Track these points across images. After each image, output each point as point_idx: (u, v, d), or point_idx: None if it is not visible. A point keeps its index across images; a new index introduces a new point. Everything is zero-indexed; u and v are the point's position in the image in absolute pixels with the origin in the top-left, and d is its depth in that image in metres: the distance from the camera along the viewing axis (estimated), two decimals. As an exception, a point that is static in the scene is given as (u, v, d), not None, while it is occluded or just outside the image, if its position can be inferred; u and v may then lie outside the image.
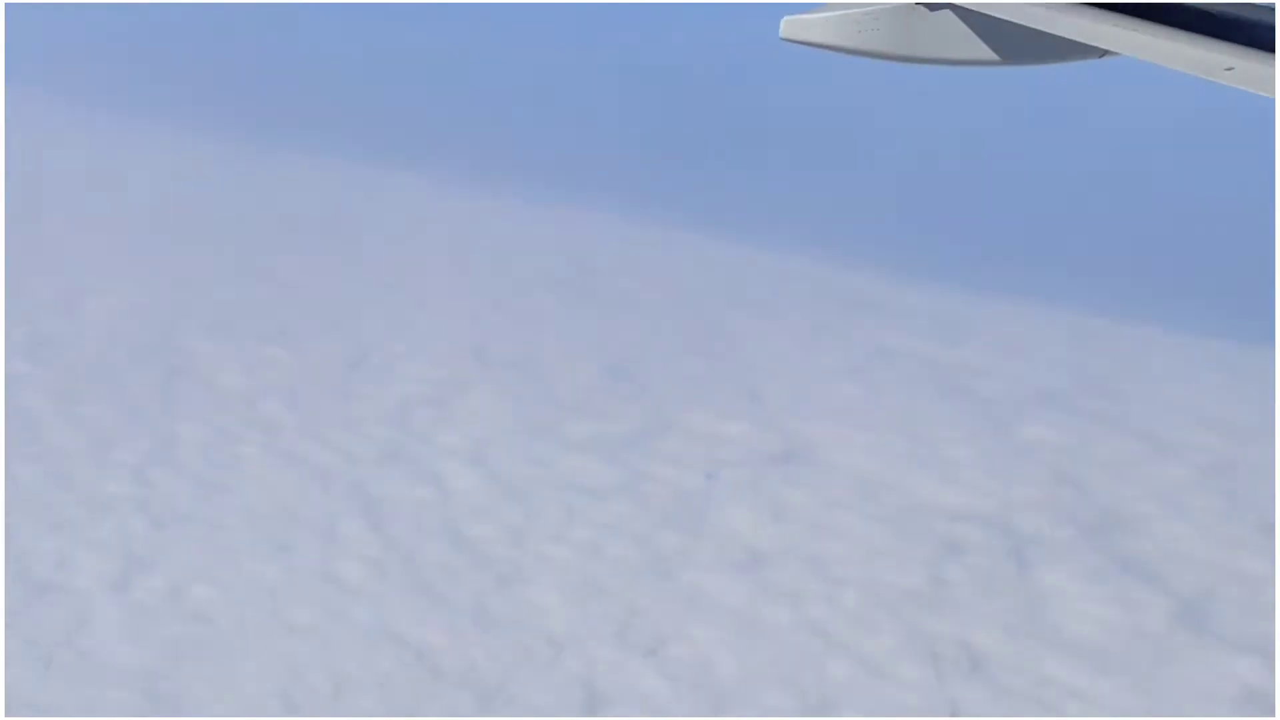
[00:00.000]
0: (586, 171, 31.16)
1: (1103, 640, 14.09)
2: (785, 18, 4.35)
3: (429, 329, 21.17)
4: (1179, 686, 13.54)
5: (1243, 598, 15.08)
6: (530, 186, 29.46)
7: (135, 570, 14.96)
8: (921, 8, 4.08)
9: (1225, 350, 21.28)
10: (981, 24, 3.94)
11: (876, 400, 18.63)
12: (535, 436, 16.68)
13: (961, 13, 4.02)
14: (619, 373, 18.53)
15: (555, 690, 12.78)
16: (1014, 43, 3.97)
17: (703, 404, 17.58)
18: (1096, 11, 3.47)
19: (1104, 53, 3.77)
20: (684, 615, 14.27)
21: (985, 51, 4.05)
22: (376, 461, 16.77)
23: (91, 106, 32.82)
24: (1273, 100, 3.04)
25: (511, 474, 16.09)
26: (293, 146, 32.43)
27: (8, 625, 13.40)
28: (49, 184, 28.83)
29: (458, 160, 32.10)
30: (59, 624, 13.90)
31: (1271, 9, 3.15)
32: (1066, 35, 3.63)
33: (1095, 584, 14.64)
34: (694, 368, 19.29)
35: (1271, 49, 2.93)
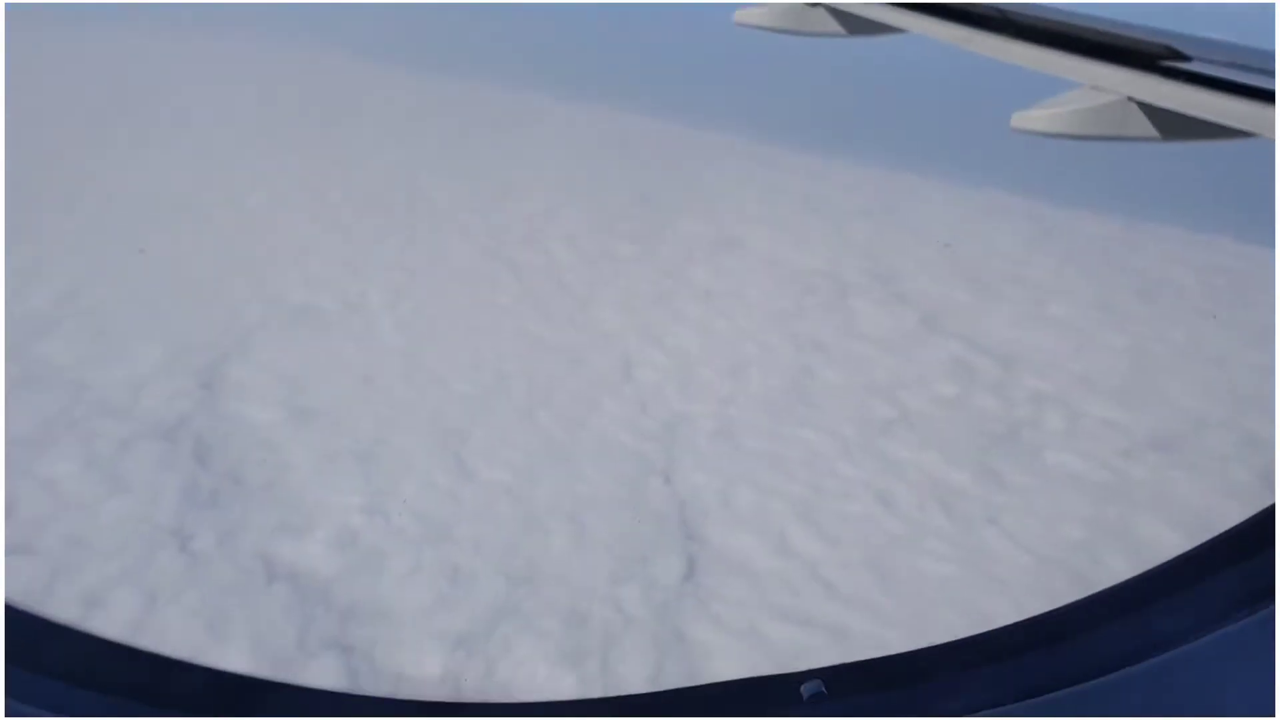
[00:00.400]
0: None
1: (878, 332, 16.91)
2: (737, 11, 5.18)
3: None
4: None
5: (965, 314, 17.84)
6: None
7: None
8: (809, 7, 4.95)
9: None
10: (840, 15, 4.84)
11: (773, 216, 22.84)
12: (598, 232, 20.79)
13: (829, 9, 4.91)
14: (647, 200, 23.05)
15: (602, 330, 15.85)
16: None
17: (685, 217, 21.90)
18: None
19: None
20: (670, 320, 17.03)
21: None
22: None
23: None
24: None
25: (602, 253, 20.03)
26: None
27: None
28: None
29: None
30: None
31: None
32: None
33: (875, 304, 17.82)
34: (681, 199, 23.47)
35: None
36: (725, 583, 11.65)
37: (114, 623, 10.17)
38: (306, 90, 32.65)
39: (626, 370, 15.72)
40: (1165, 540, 12.31)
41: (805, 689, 1.44)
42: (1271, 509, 1.58)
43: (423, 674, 10.09)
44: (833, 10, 4.89)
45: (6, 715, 1.07)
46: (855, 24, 4.83)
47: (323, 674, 9.90)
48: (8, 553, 11.00)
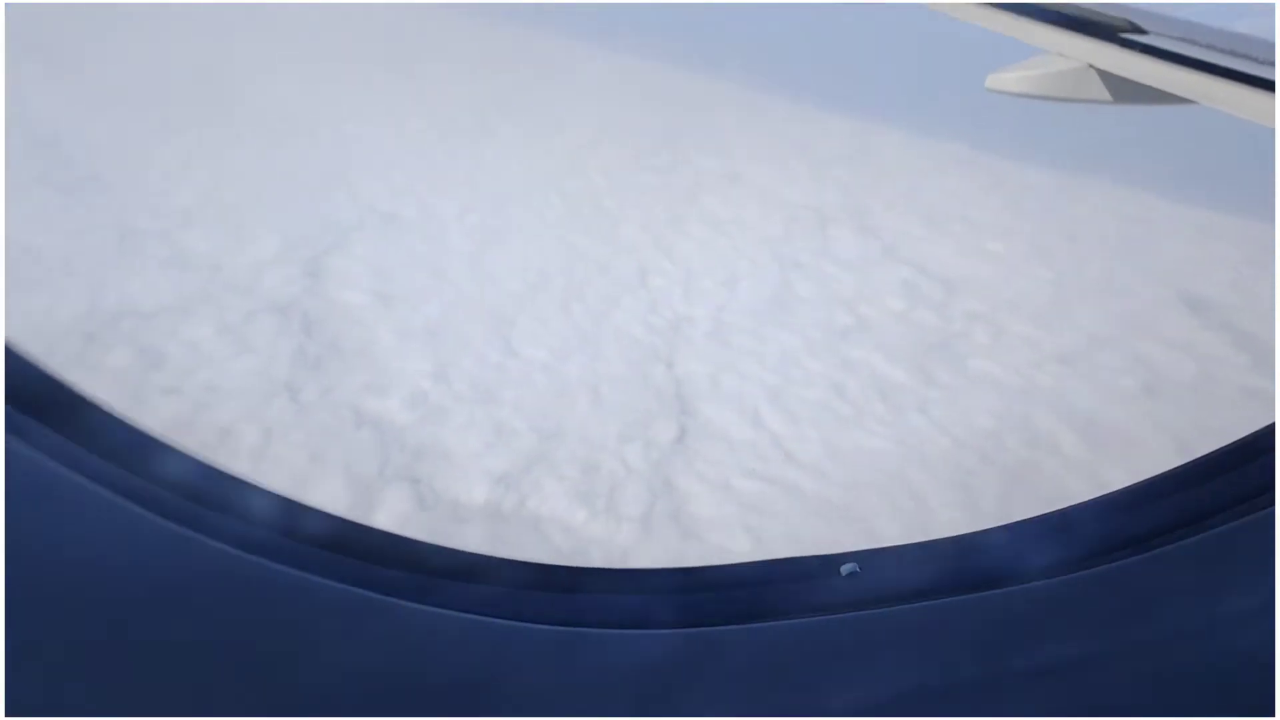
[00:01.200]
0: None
1: (846, 256, 16.94)
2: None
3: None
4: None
5: (918, 245, 19.00)
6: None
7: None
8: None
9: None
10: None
11: (772, 157, 22.47)
12: (629, 164, 20.71)
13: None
14: (670, 139, 22.62)
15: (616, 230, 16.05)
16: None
17: (700, 154, 21.70)
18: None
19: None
20: (680, 239, 17.09)
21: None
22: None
23: None
24: None
25: (631, 182, 19.90)
26: None
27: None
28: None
29: None
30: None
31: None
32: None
33: (847, 233, 17.93)
34: (698, 140, 23.02)
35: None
36: (708, 446, 12.13)
37: (241, 450, 10.86)
38: (399, 37, 32.06)
39: (643, 277, 15.91)
40: (1055, 431, 12.61)
41: (843, 568, 1.36)
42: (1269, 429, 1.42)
43: (472, 502, 10.70)
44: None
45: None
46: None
47: (396, 498, 10.54)
48: (162, 392, 11.63)
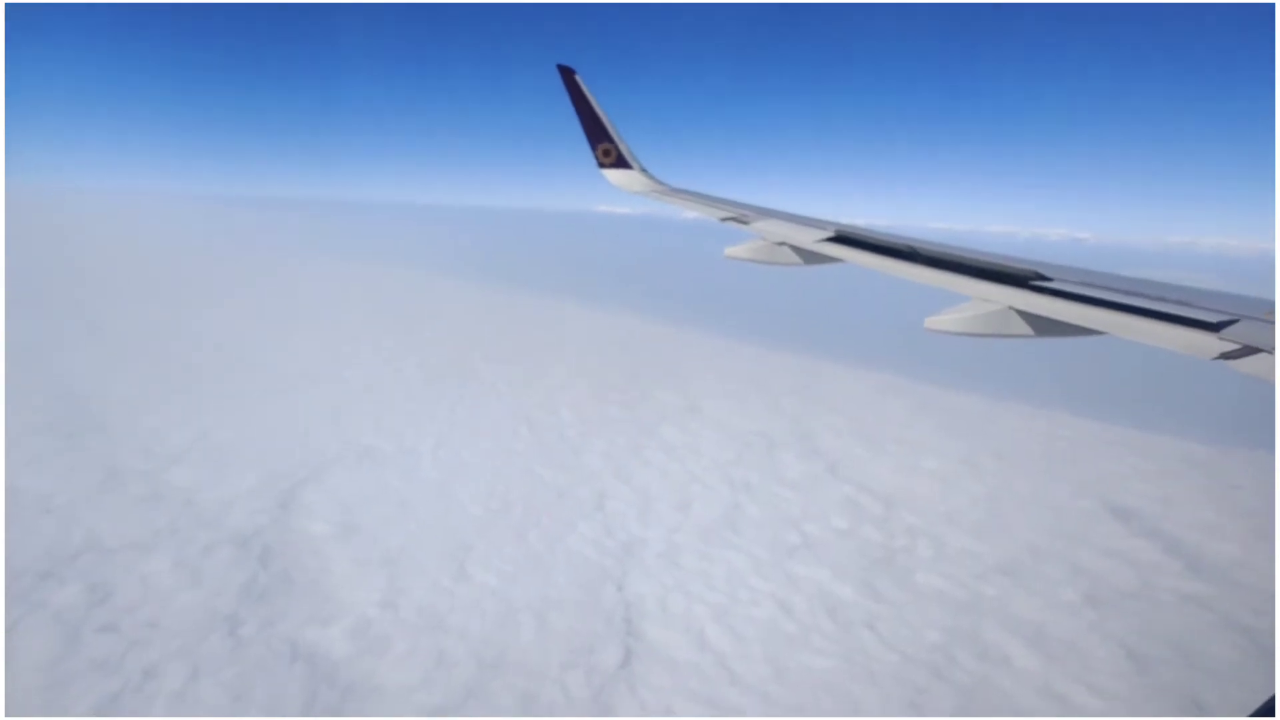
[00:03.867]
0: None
1: (793, 477, 16.35)
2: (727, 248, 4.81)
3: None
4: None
5: (859, 465, 18.40)
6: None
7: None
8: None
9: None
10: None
11: (727, 391, 22.79)
12: (595, 400, 20.57)
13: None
14: (635, 378, 22.60)
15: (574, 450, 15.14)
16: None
17: (660, 390, 21.59)
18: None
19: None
20: (639, 465, 16.34)
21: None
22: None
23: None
24: None
25: (596, 415, 19.56)
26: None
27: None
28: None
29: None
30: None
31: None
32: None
33: (794, 456, 17.49)
34: (660, 378, 23.73)
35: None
36: (652, 670, 10.61)
37: (162, 692, 9.35)
38: (395, 297, 33.45)
39: (600, 502, 15.00)
40: (1006, 645, 11.16)
41: None
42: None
43: (397, 742, 9.07)
44: (792, 247, 4.77)
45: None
46: (808, 257, 4.72)
47: (316, 739, 8.92)
48: (99, 629, 10.30)
